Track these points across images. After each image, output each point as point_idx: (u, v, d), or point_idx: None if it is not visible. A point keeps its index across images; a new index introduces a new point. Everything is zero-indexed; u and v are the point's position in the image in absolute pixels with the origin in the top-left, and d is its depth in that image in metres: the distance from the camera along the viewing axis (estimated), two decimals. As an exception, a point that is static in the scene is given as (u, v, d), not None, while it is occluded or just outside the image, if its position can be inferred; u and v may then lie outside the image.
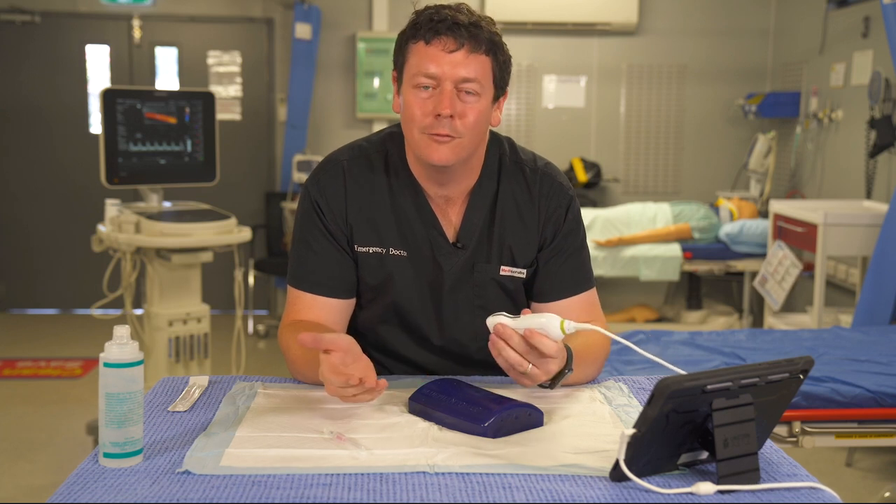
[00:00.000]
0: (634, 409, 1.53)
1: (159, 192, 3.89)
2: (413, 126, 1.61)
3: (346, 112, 6.32)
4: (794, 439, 2.50)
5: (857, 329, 3.37)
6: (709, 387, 1.18)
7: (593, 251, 5.15)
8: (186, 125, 3.89)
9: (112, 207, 3.70)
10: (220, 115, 5.97)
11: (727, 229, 5.42)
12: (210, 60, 6.40)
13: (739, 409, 1.22)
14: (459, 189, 1.71)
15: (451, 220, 1.72)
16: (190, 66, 6.38)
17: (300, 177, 5.66)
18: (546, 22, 6.11)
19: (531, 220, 1.72)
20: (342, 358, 1.40)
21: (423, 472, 1.24)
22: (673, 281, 5.97)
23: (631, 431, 1.17)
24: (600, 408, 1.53)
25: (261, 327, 5.93)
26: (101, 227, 3.72)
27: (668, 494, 1.19)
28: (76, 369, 5.06)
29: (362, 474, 1.23)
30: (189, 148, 3.91)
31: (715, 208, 5.67)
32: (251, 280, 6.05)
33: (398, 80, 1.66)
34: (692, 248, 5.41)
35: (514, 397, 1.47)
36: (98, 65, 6.36)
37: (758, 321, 5.71)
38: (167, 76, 6.41)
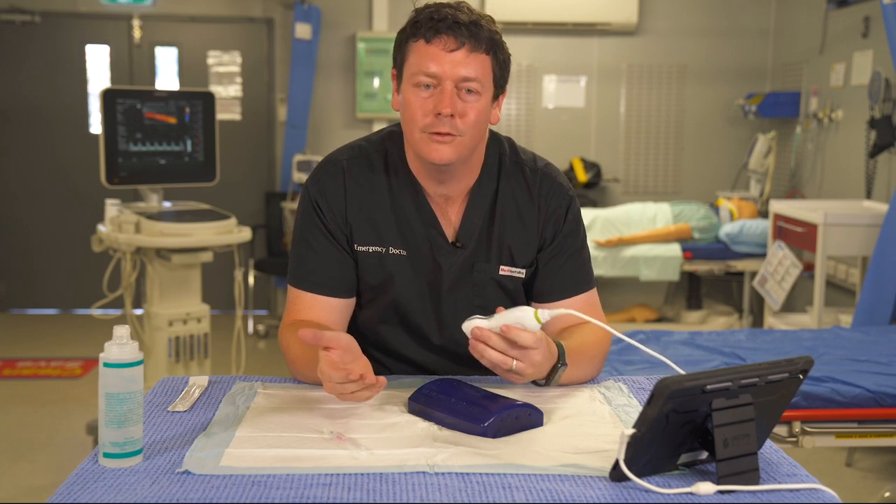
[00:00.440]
0: (634, 409, 1.53)
1: (159, 192, 3.89)
2: (413, 125, 1.61)
3: (346, 112, 6.32)
4: (794, 439, 2.50)
5: (857, 329, 3.37)
6: (709, 387, 1.19)
7: (593, 251, 5.15)
8: (186, 125, 3.89)
9: (112, 207, 3.70)
10: (220, 115, 5.97)
11: (727, 229, 5.42)
12: (210, 60, 6.40)
13: (739, 409, 1.22)
14: (459, 188, 1.71)
15: (450, 219, 1.72)
16: (190, 66, 6.38)
17: (300, 177, 5.65)
18: (546, 22, 6.11)
19: (531, 220, 1.72)
20: (342, 355, 1.40)
21: (423, 472, 1.24)
22: (673, 281, 5.97)
23: (631, 431, 1.18)
24: (600, 408, 1.53)
25: (261, 327, 5.93)
26: (101, 227, 3.72)
27: (668, 494, 1.19)
28: (76, 369, 5.06)
29: (362, 474, 1.23)
30: (189, 148, 3.91)
31: (715, 208, 5.67)
32: (251, 280, 6.05)
33: (398, 77, 1.66)
34: (692, 248, 5.41)
35: (513, 397, 1.47)
36: (98, 65, 6.36)
37: (758, 321, 5.71)
38: (167, 76, 6.41)
